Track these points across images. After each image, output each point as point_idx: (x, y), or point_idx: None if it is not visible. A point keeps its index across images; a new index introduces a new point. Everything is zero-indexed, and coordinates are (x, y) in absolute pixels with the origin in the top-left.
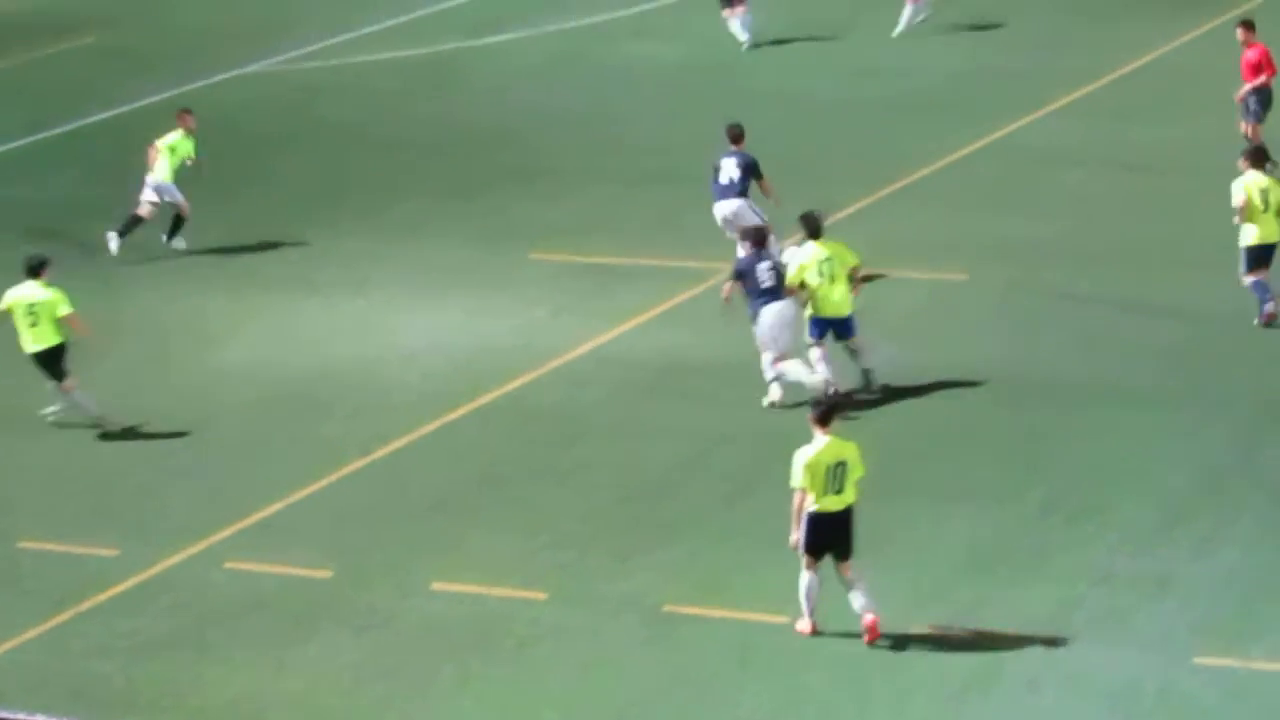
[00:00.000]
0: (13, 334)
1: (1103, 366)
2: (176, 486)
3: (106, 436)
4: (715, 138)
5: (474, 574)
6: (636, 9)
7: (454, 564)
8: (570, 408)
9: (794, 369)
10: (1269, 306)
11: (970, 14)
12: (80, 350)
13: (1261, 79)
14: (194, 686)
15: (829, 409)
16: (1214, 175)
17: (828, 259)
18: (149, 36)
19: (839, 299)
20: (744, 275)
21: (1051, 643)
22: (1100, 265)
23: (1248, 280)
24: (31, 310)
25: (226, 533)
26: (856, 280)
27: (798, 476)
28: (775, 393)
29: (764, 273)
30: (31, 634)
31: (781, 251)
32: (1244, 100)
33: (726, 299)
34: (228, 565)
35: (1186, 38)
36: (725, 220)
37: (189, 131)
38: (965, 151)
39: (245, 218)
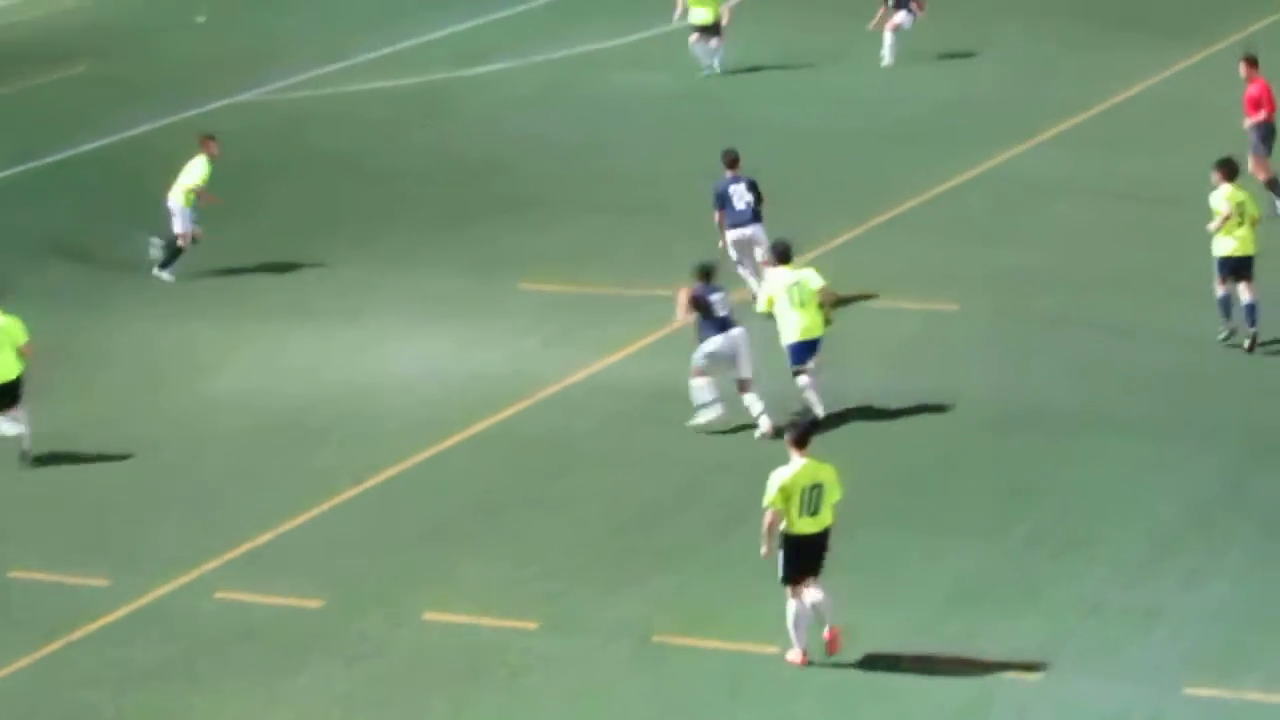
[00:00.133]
0: None
1: (1093, 396)
2: (167, 516)
3: (97, 466)
4: (706, 168)
5: (466, 604)
6: (626, 39)
7: (446, 594)
8: (562, 437)
9: (703, 390)
10: (1245, 342)
11: (958, 44)
12: (70, 378)
13: (1261, 115)
14: (184, 717)
15: (806, 431)
16: (1203, 206)
17: (796, 284)
18: (140, 66)
19: (810, 323)
20: (701, 305)
21: (1042, 674)
22: (1090, 295)
23: (1218, 292)
24: None
25: (217, 562)
26: (829, 303)
27: (770, 496)
28: (765, 425)
29: (719, 303)
30: (22, 663)
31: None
32: (1248, 134)
33: (681, 321)
34: (219, 595)
35: (1176, 68)
36: (742, 242)
37: (211, 158)
38: (955, 182)
39: (237, 246)
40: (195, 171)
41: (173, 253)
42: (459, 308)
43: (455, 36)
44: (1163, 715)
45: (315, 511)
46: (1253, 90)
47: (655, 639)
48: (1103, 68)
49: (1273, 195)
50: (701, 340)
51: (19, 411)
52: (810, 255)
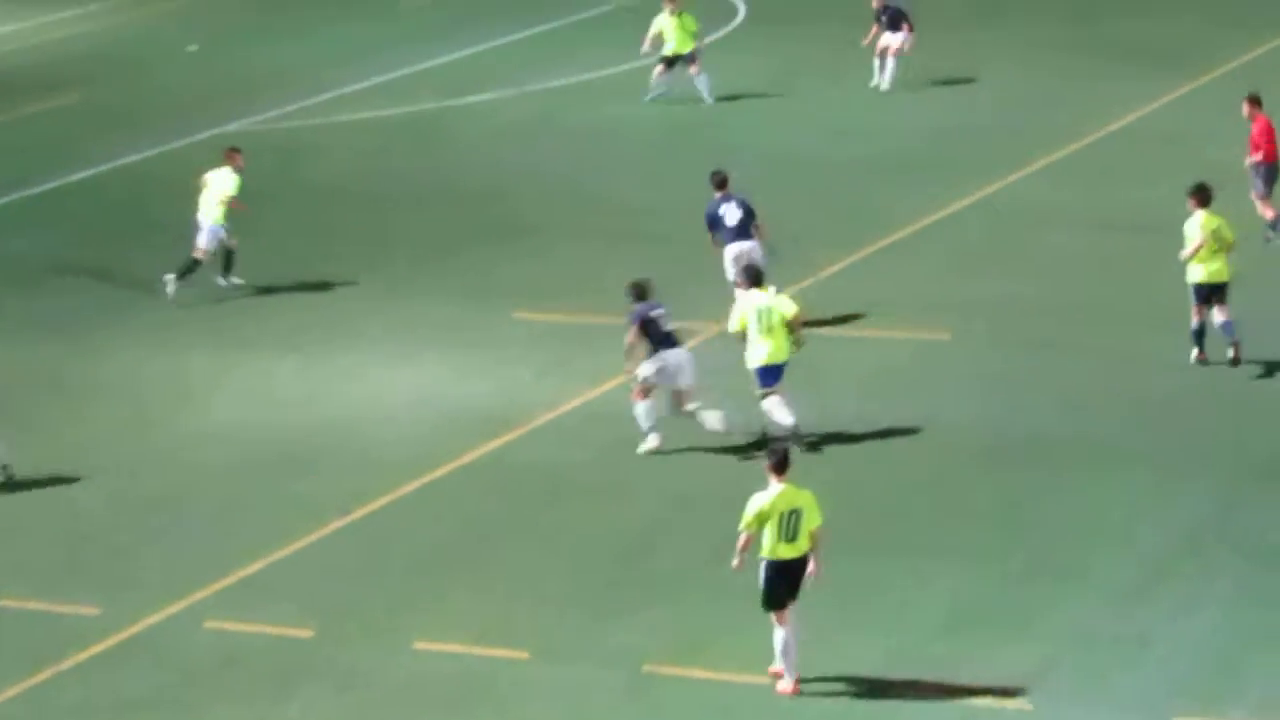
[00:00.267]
0: None
1: (1084, 425)
2: (157, 545)
3: (87, 495)
4: (698, 197)
5: (456, 633)
6: (618, 69)
7: (436, 623)
8: (553, 466)
9: (640, 409)
10: (1230, 352)
11: (952, 73)
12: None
13: (1259, 155)
14: None
15: (784, 457)
16: None
17: (767, 308)
18: (131, 96)
19: (777, 348)
20: (644, 324)
21: (1032, 702)
22: (1082, 325)
23: (1193, 322)
24: None
25: (207, 591)
26: (797, 328)
27: (745, 520)
28: (717, 422)
29: (663, 320)
30: (11, 693)
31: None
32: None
33: (631, 345)
34: (208, 624)
35: (1167, 99)
36: (737, 258)
37: (237, 170)
38: (947, 211)
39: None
40: (225, 184)
41: (190, 266)
42: (451, 336)
43: (446, 67)
44: None
45: (305, 541)
46: (1253, 130)
47: (647, 669)
48: (1095, 98)
49: (1270, 227)
50: (648, 357)
51: None
52: (803, 283)
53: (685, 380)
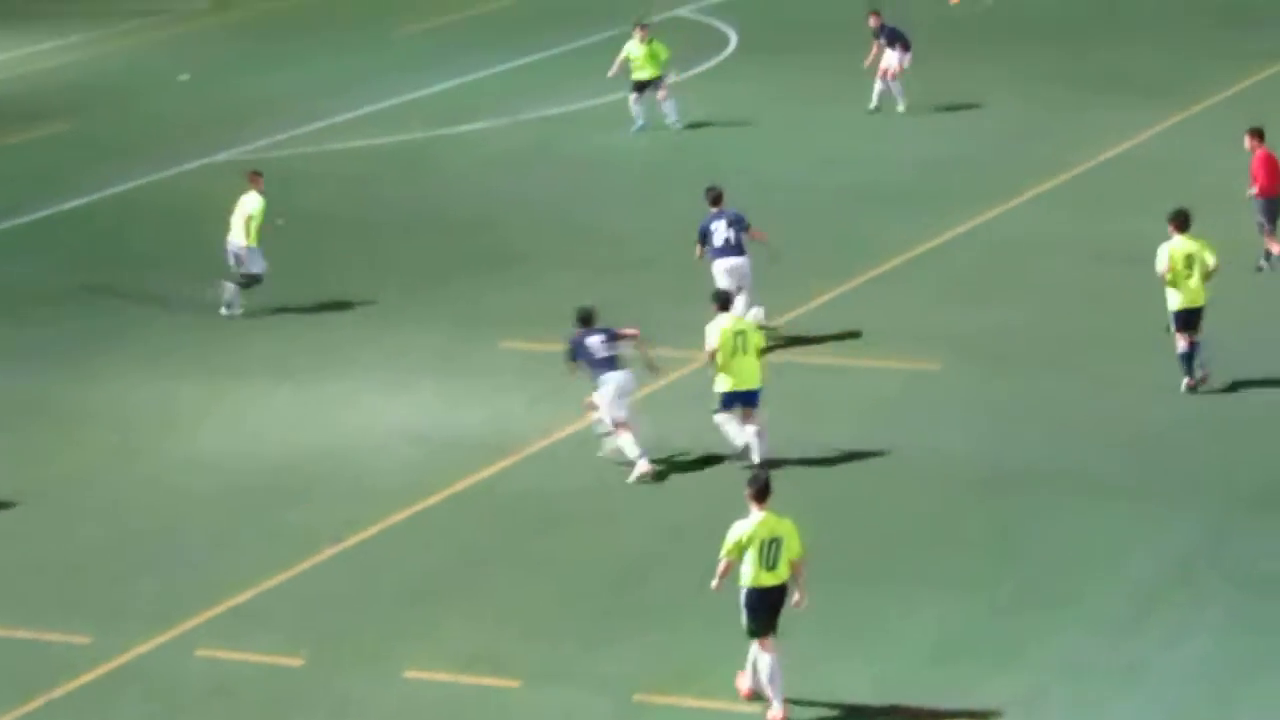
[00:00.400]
0: None
1: (1073, 454)
2: (147, 573)
3: (77, 523)
4: (687, 226)
5: (447, 662)
6: (605, 99)
7: (427, 652)
8: (544, 495)
9: (623, 442)
10: (1198, 374)
11: (943, 103)
12: (49, 435)
13: (1254, 189)
14: None
15: (765, 485)
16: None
17: (740, 332)
18: (121, 125)
19: (749, 372)
20: (577, 351)
21: None
22: (1072, 355)
23: (1180, 346)
24: None
25: (198, 620)
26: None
27: (726, 547)
28: (608, 446)
29: (597, 345)
30: None
31: (755, 313)
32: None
33: (572, 372)
34: (199, 653)
35: (1158, 129)
36: (729, 272)
37: (261, 192)
38: (938, 241)
39: (216, 304)
40: (250, 206)
41: (249, 283)
42: (441, 365)
43: (436, 96)
44: None
45: (296, 569)
46: (1252, 162)
47: (637, 698)
48: (1086, 127)
49: (1265, 256)
50: (593, 383)
51: None
52: (794, 312)
53: (619, 408)
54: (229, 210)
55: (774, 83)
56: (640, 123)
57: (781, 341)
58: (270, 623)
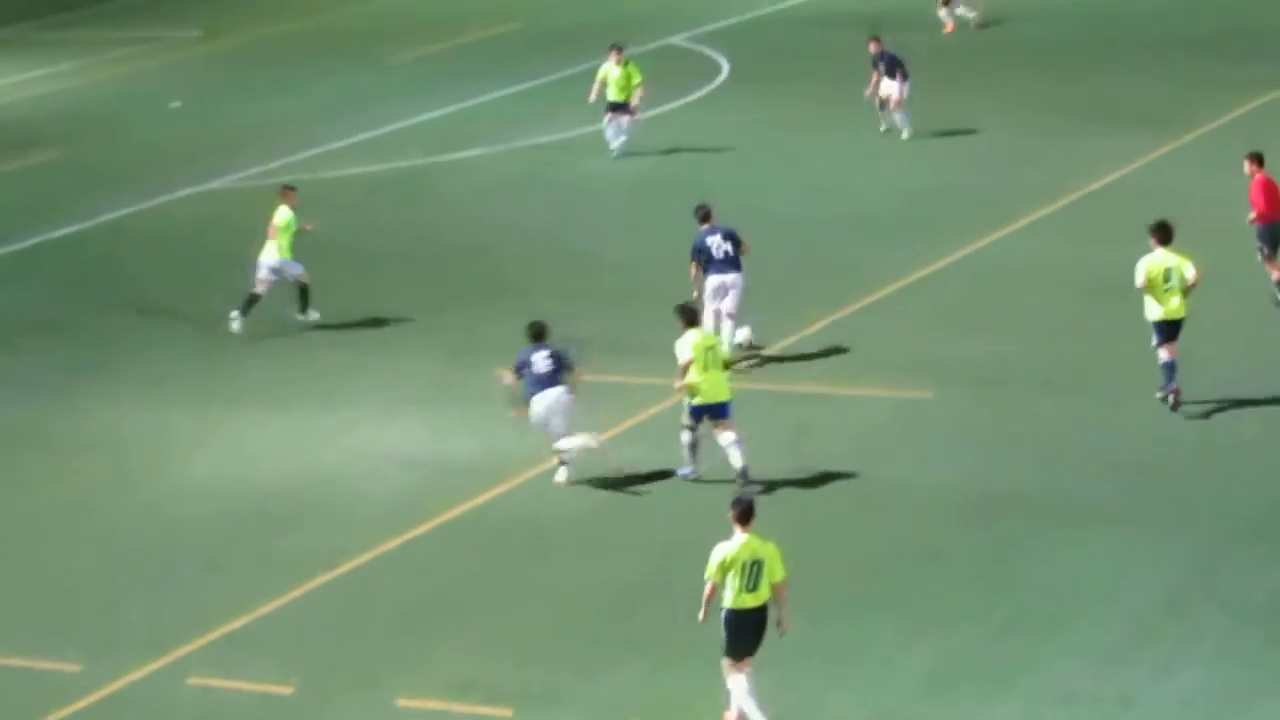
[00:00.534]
0: None
1: (1066, 485)
2: (139, 601)
3: (69, 551)
4: (678, 252)
5: (439, 690)
6: (598, 127)
7: (419, 679)
8: (535, 522)
9: (569, 443)
10: (1171, 386)
11: (934, 131)
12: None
13: (1251, 215)
14: None
15: (748, 508)
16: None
17: (709, 349)
18: (113, 153)
19: (718, 385)
20: (523, 366)
21: None
22: (1063, 383)
23: (1161, 356)
24: None
25: (190, 648)
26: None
27: (710, 570)
28: (562, 475)
29: (541, 361)
30: None
31: (743, 333)
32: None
33: (514, 390)
34: (191, 681)
35: (1149, 157)
36: (720, 288)
37: (292, 207)
38: (929, 269)
39: (210, 331)
40: (280, 220)
41: (304, 292)
42: (434, 393)
43: (429, 124)
44: None
45: (288, 597)
46: (1250, 188)
47: None
48: (1077, 156)
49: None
50: (524, 400)
51: None
52: (786, 341)
53: (556, 426)
54: (217, 239)
55: (766, 111)
56: (618, 145)
57: (759, 362)
58: (262, 650)
